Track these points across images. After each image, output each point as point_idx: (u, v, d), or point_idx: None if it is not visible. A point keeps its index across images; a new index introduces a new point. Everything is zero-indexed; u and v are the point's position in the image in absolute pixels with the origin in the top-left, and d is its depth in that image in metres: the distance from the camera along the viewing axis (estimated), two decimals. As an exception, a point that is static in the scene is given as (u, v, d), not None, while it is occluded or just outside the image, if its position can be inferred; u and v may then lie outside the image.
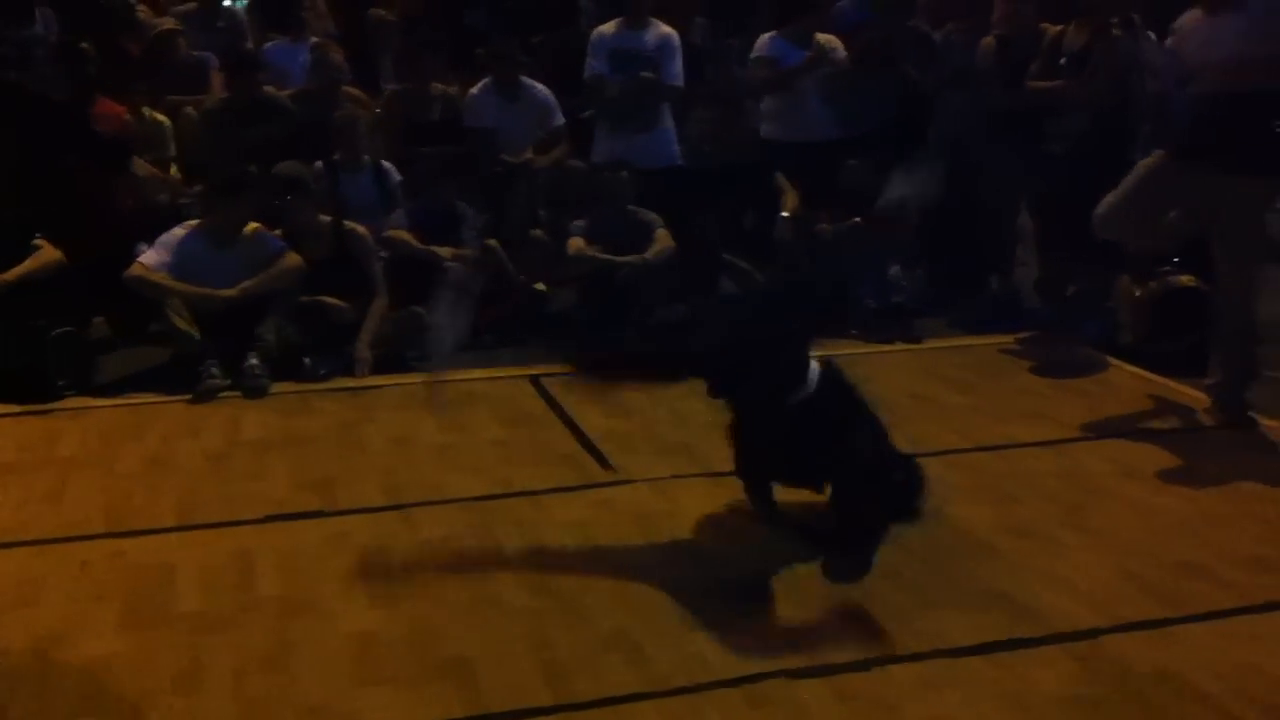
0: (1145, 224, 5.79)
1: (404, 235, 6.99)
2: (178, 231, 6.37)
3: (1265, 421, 5.64)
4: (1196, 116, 5.59)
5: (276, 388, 6.11)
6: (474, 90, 7.86)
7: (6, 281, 6.05)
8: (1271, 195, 5.60)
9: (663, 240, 7.19)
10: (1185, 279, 6.19)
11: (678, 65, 7.67)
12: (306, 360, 6.28)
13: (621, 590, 4.03)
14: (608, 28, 7.78)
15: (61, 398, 5.98)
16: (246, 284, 6.26)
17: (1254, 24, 5.34)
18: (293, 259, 6.40)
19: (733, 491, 4.75)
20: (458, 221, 7.17)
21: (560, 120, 7.89)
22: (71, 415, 5.80)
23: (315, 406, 5.92)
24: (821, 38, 7.73)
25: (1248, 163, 5.39)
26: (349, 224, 6.67)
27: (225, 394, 6.03)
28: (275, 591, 4.03)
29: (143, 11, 8.36)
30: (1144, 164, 5.77)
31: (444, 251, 6.96)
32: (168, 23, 8.11)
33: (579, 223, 7.32)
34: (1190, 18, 5.63)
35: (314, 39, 8.12)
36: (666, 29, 7.71)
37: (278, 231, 6.57)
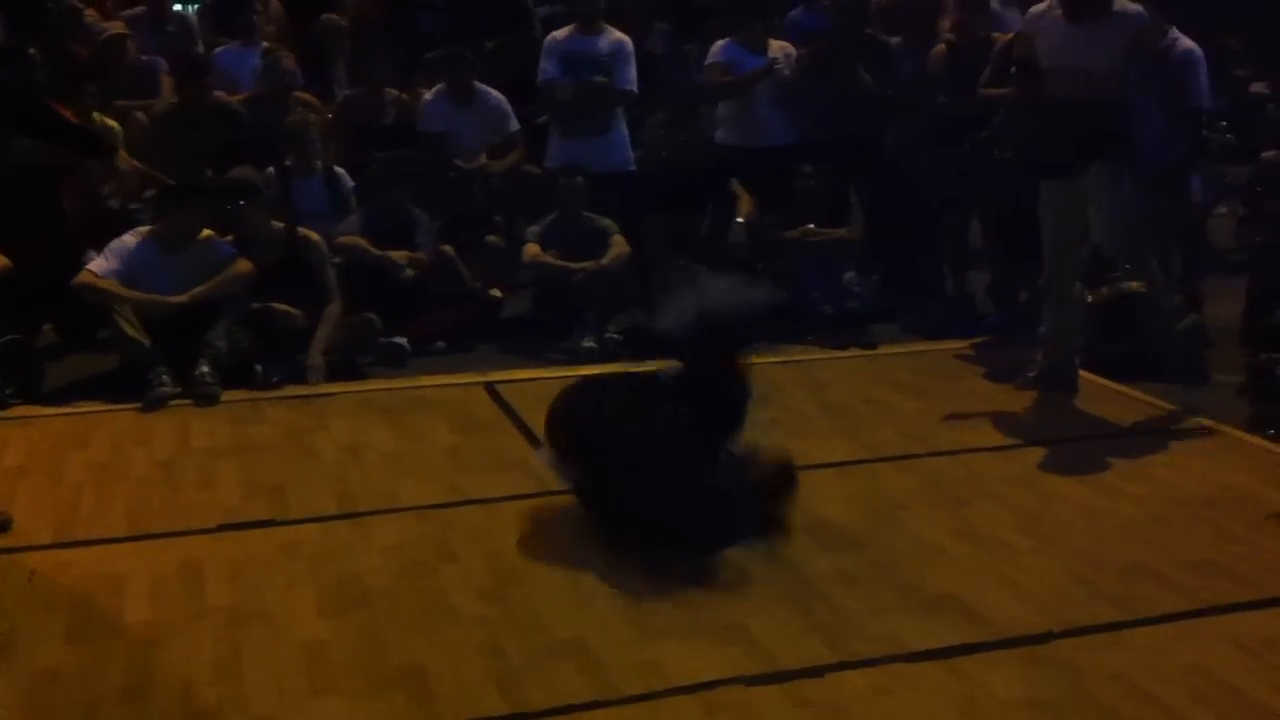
0: (1073, 251, 6.03)
1: (357, 240, 6.95)
2: (127, 238, 6.31)
3: (1214, 425, 5.69)
4: (1041, 126, 5.83)
5: (227, 395, 6.04)
6: (427, 95, 7.84)
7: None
8: (1127, 189, 5.74)
9: (618, 246, 7.18)
10: (1135, 284, 6.23)
11: (631, 70, 7.67)
12: (258, 368, 6.22)
13: (575, 598, 4.02)
14: (561, 33, 7.77)
15: (8, 406, 5.89)
16: (197, 290, 6.20)
17: (1105, 39, 5.55)
18: (243, 265, 6.34)
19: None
20: (412, 227, 7.14)
21: (515, 125, 7.88)
22: (19, 424, 5.72)
23: (266, 414, 5.86)
24: (776, 44, 7.76)
25: (1089, 164, 5.65)
26: (303, 231, 6.61)
27: (175, 401, 5.96)
28: (225, 601, 3.99)
29: (91, 15, 8.26)
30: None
31: (398, 256, 6.92)
32: (116, 27, 8.03)
33: (534, 228, 7.31)
34: (1047, 13, 5.74)
35: (265, 44, 8.06)
36: (620, 35, 7.71)
37: (229, 237, 6.52)
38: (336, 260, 6.80)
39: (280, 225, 6.59)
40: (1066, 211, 5.88)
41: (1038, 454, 5.37)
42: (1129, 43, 5.57)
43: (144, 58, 7.96)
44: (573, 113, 7.64)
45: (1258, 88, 9.81)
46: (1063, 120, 5.71)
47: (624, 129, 7.77)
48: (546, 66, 7.67)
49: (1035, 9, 5.87)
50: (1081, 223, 5.88)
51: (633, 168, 7.79)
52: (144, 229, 6.39)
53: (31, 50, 6.91)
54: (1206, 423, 5.72)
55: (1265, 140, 8.52)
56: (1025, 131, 6.40)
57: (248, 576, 4.16)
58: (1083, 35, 5.60)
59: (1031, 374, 6.22)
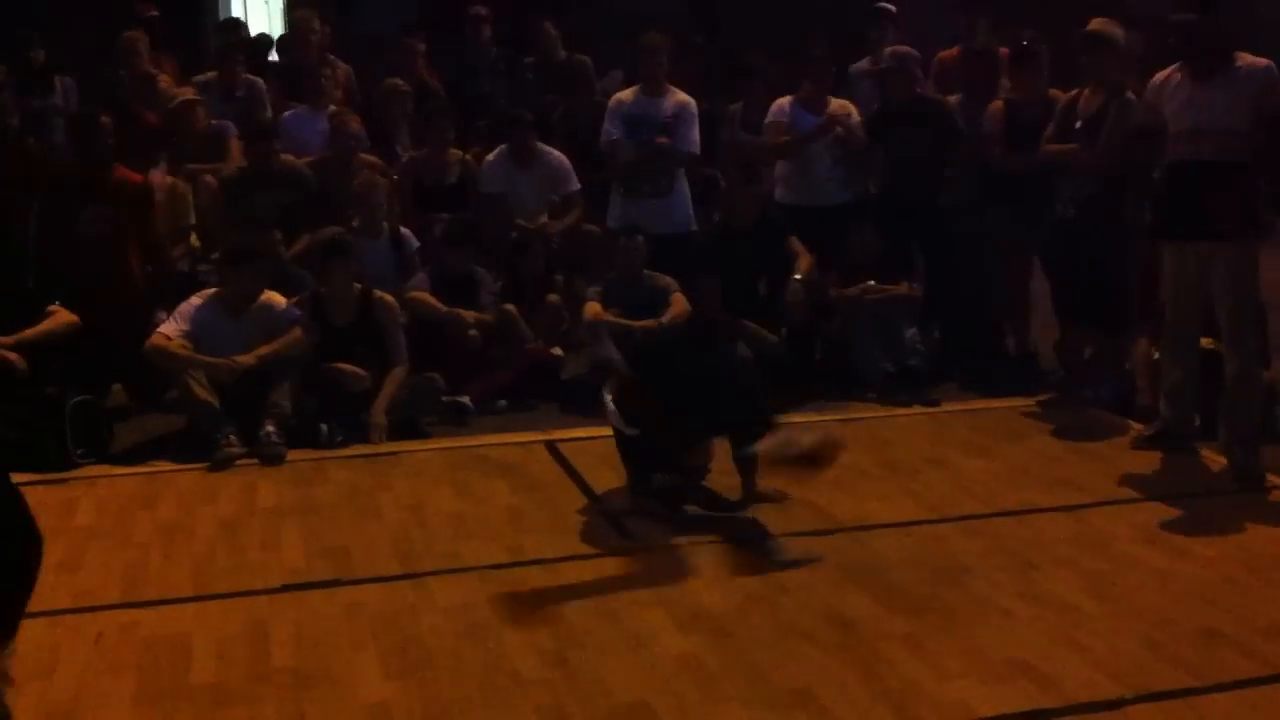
0: (1196, 312, 5.92)
1: (427, 297, 7.02)
2: (194, 300, 6.43)
3: (1285, 485, 5.61)
4: (1168, 186, 5.80)
5: (292, 455, 6.10)
6: (490, 157, 7.92)
7: (24, 341, 6.14)
8: (1246, 258, 5.67)
9: (678, 304, 7.19)
10: (1204, 341, 6.15)
11: (694, 132, 7.70)
12: (324, 427, 6.28)
13: (639, 661, 3.99)
14: (626, 95, 7.83)
15: (78, 466, 5.99)
16: (262, 350, 6.29)
17: (1234, 96, 5.50)
18: (299, 331, 6.42)
19: (748, 559, 4.75)
20: (476, 286, 7.20)
21: (575, 186, 7.92)
22: (88, 484, 5.81)
23: (330, 474, 5.91)
24: (836, 103, 7.77)
25: (1218, 229, 5.58)
26: (379, 293, 6.69)
27: (241, 461, 6.03)
28: (290, 663, 4.01)
29: (163, 81, 8.45)
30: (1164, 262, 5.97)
31: (466, 316, 6.98)
32: (187, 93, 8.19)
33: (595, 288, 7.33)
34: (1170, 76, 5.74)
35: (332, 107, 8.19)
36: (684, 97, 7.74)
37: (296, 299, 6.59)
38: (402, 320, 6.86)
39: (359, 287, 6.67)
40: (1184, 274, 5.83)
41: (1105, 514, 5.29)
42: (1256, 98, 5.51)
43: (214, 122, 8.10)
44: (635, 174, 7.69)
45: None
46: (1187, 183, 5.69)
47: (686, 190, 7.81)
48: (610, 129, 7.73)
49: (1157, 77, 5.86)
50: (1200, 285, 5.82)
51: (694, 228, 7.82)
52: (209, 291, 6.51)
53: (103, 117, 7.06)
54: (1276, 480, 5.62)
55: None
56: (1091, 188, 6.42)
57: (311, 637, 4.18)
58: (1208, 94, 5.58)
59: (1148, 434, 6.15)
